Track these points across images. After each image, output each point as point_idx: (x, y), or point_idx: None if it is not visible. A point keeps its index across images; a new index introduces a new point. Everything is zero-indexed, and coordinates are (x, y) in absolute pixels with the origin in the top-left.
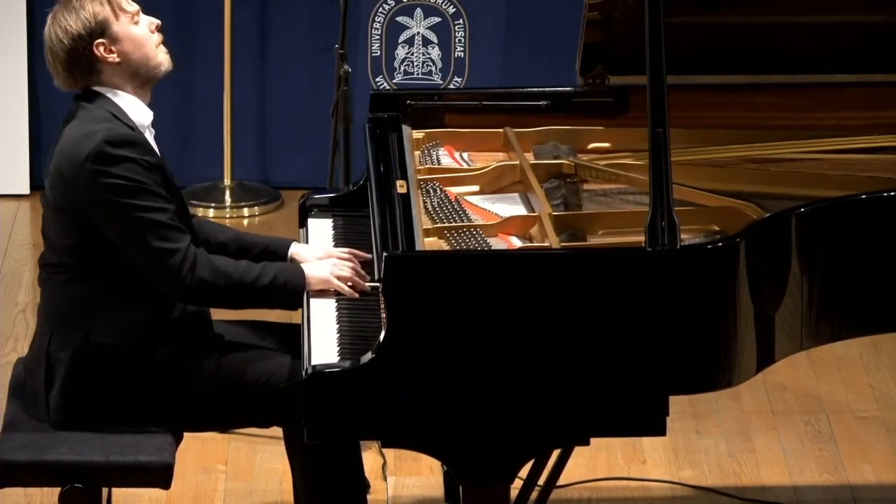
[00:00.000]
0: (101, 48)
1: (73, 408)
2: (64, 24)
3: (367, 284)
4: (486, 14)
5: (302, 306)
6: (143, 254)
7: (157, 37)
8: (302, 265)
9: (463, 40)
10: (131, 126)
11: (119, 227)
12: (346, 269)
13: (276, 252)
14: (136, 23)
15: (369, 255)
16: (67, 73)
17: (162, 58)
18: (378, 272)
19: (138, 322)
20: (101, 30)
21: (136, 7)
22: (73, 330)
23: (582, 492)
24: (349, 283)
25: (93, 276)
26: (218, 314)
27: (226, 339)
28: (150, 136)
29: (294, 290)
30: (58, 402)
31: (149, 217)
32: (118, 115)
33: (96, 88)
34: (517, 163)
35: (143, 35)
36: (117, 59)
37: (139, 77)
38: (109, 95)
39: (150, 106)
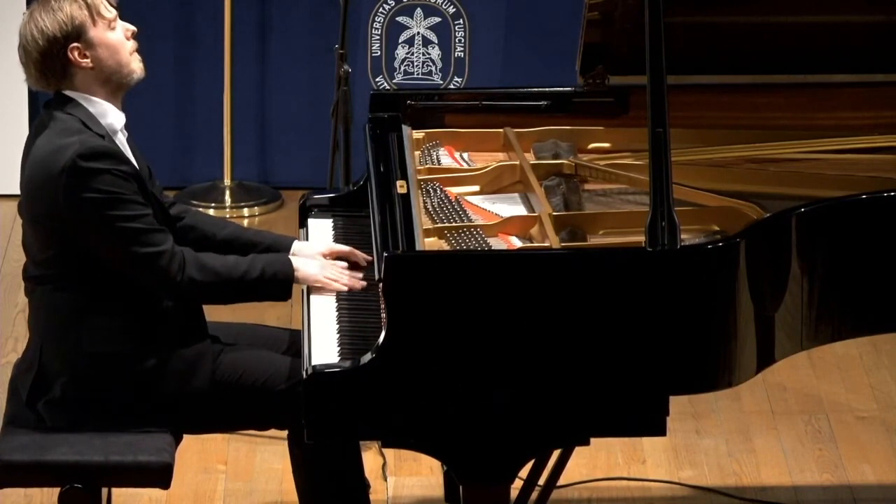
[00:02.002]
0: (76, 52)
1: (71, 416)
2: (40, 24)
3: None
4: (486, 14)
5: (291, 297)
6: (130, 262)
7: (132, 44)
8: (291, 257)
9: (463, 40)
10: (102, 134)
11: (102, 239)
12: (336, 271)
13: (277, 252)
14: (113, 28)
15: (370, 257)
16: (39, 74)
17: (135, 66)
18: (378, 272)
19: (128, 327)
20: (76, 34)
21: (113, 13)
22: (64, 340)
23: (582, 492)
24: (341, 282)
25: (76, 285)
26: (215, 315)
27: (222, 340)
28: (122, 139)
29: (283, 281)
30: (55, 411)
31: (130, 226)
32: (89, 124)
33: (67, 93)
34: (517, 163)
35: (118, 41)
36: (91, 65)
37: (111, 83)
38: (81, 101)
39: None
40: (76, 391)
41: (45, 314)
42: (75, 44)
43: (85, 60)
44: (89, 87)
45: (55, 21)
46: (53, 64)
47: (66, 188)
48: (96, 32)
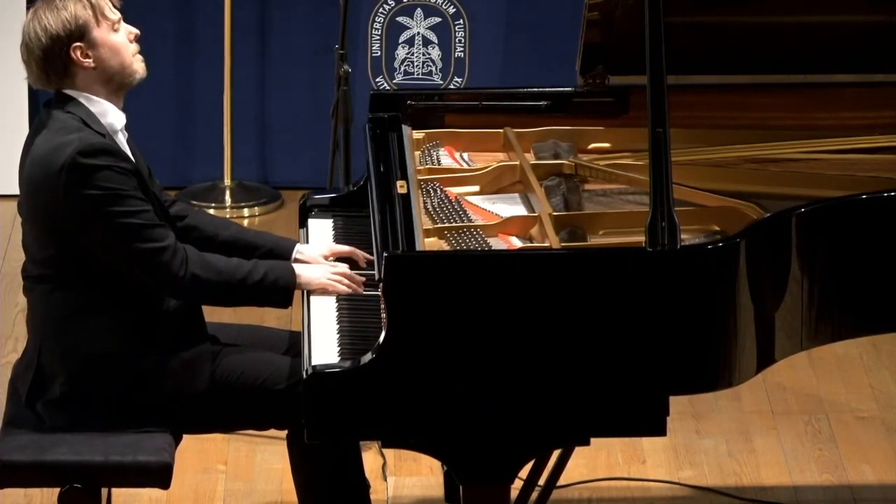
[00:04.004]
0: (78, 52)
1: (70, 416)
2: (44, 23)
3: (365, 291)
4: (486, 14)
5: (292, 305)
6: (131, 258)
7: (135, 46)
8: (294, 265)
9: (463, 40)
10: (102, 133)
11: (102, 236)
12: (339, 274)
13: (279, 255)
14: (116, 30)
15: (370, 257)
16: (41, 72)
17: (137, 66)
18: (378, 272)
19: (127, 327)
20: (80, 33)
21: (117, 15)
22: (63, 339)
23: (582, 492)
24: (344, 284)
25: (75, 284)
26: (215, 316)
27: (221, 340)
28: (122, 140)
29: (284, 288)
30: (54, 411)
31: (131, 222)
32: (89, 122)
33: (68, 92)
34: (517, 163)
35: (121, 43)
36: (93, 65)
37: (113, 83)
38: (81, 100)
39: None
40: (75, 391)
41: (43, 314)
42: (78, 43)
43: (87, 60)
44: (90, 86)
45: (59, 19)
46: (55, 62)
47: (66, 185)
48: (99, 33)
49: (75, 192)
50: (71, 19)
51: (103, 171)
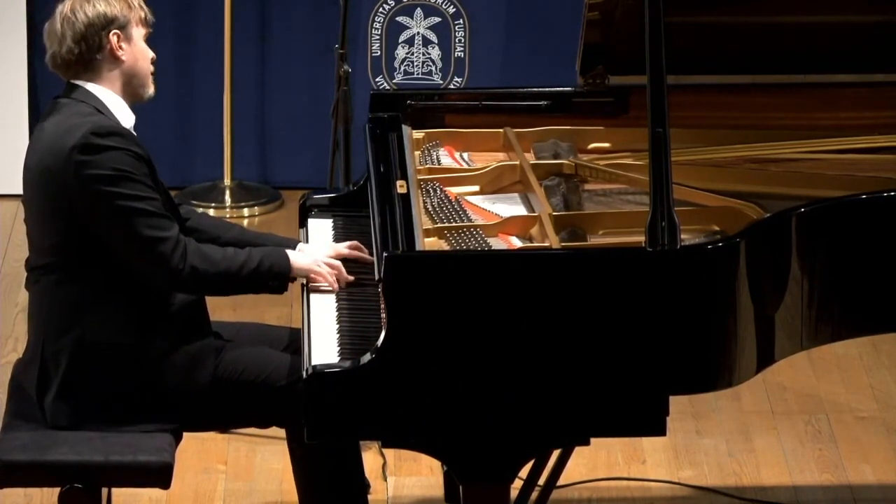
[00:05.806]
0: (115, 38)
1: (72, 409)
2: (93, 1)
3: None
4: (486, 14)
5: (287, 290)
6: (132, 243)
7: (151, 67)
8: (287, 251)
9: (463, 40)
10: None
11: (107, 216)
12: (331, 265)
13: None
14: (145, 41)
15: (371, 258)
16: (74, 45)
17: (150, 82)
18: (378, 272)
19: (131, 318)
20: (123, 22)
21: (149, 29)
22: (67, 331)
23: (582, 492)
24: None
25: (81, 274)
26: (217, 314)
27: (224, 337)
28: None
29: (279, 274)
30: (56, 404)
31: (137, 206)
32: (102, 111)
33: (81, 83)
34: (517, 163)
35: (146, 52)
36: (123, 57)
37: (130, 86)
38: (95, 92)
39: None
40: (78, 382)
41: (49, 304)
42: (118, 31)
43: (119, 51)
44: (109, 81)
45: (108, 5)
46: (91, 42)
47: (77, 164)
48: (136, 32)
49: (85, 171)
50: (117, 9)
51: (115, 151)
